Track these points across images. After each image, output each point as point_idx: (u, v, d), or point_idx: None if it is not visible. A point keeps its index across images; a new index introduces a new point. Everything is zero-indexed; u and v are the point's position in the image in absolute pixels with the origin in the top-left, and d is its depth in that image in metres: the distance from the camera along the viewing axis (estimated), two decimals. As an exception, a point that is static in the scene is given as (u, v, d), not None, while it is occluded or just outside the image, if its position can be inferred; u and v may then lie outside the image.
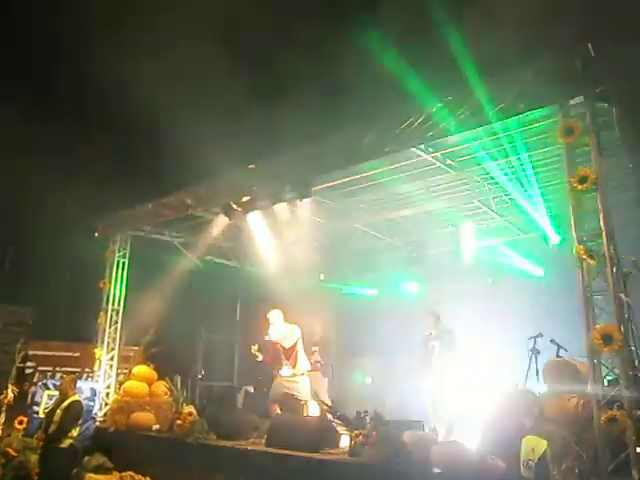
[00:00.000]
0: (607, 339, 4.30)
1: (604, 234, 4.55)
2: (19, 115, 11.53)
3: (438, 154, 6.91)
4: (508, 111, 5.16)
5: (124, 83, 11.58)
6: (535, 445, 3.48)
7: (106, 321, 9.64)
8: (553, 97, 5.00)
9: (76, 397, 7.27)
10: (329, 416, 6.52)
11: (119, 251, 9.97)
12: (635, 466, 3.96)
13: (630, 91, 5.19)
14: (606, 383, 4.42)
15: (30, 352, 11.81)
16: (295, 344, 7.50)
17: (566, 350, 5.86)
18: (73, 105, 13.53)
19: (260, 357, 7.64)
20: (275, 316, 7.64)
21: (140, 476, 7.19)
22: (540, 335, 6.57)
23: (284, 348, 7.48)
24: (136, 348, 9.83)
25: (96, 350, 9.53)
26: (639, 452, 4.00)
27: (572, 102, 4.94)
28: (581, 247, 4.62)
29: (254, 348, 7.58)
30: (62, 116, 13.35)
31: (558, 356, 5.69)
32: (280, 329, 7.55)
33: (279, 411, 7.43)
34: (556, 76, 4.89)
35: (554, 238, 8.75)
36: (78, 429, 7.23)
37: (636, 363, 4.44)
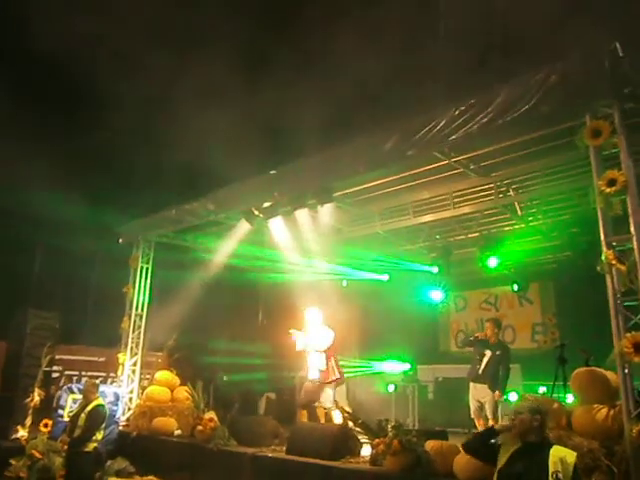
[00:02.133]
0: (638, 348, 4.14)
1: (635, 239, 4.40)
2: (45, 125, 11.81)
3: (461, 158, 6.79)
4: (533, 114, 5.03)
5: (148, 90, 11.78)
6: (564, 456, 3.34)
7: (129, 326, 9.74)
8: (579, 99, 4.86)
9: (100, 401, 7.33)
10: (350, 424, 6.43)
11: (143, 257, 10.08)
12: (669, 481, 3.80)
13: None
14: (637, 394, 4.27)
15: (56, 356, 12.01)
16: (329, 348, 7.43)
17: (596, 361, 5.68)
18: (102, 111, 13.78)
19: (296, 336, 7.47)
20: (314, 315, 7.59)
21: (161, 481, 7.21)
22: (565, 344, 6.41)
23: (318, 350, 7.40)
24: (159, 354, 9.89)
25: (119, 355, 9.63)
26: (673, 466, 3.84)
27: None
28: (610, 252, 4.48)
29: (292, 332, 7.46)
30: (90, 123, 13.62)
31: (587, 365, 5.50)
32: (316, 330, 7.49)
33: (305, 418, 7.37)
34: (584, 77, 4.76)
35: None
36: (102, 433, 7.29)
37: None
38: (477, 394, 7.37)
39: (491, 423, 7.16)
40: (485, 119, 5.30)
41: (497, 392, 7.19)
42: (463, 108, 5.49)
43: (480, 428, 7.33)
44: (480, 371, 7.38)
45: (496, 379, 7.29)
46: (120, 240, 10.01)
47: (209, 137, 12.06)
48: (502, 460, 3.63)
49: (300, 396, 7.56)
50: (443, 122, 5.67)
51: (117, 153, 13.39)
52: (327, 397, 7.32)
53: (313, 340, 7.44)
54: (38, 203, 12.09)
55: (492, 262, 9.60)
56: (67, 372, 11.90)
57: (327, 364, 7.31)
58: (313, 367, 7.42)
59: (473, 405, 7.42)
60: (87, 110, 13.45)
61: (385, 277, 11.01)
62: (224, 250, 9.41)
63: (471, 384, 7.51)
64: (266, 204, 7.79)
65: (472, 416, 7.47)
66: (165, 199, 9.72)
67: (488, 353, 7.46)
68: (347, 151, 6.54)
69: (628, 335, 4.23)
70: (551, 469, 3.29)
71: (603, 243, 4.56)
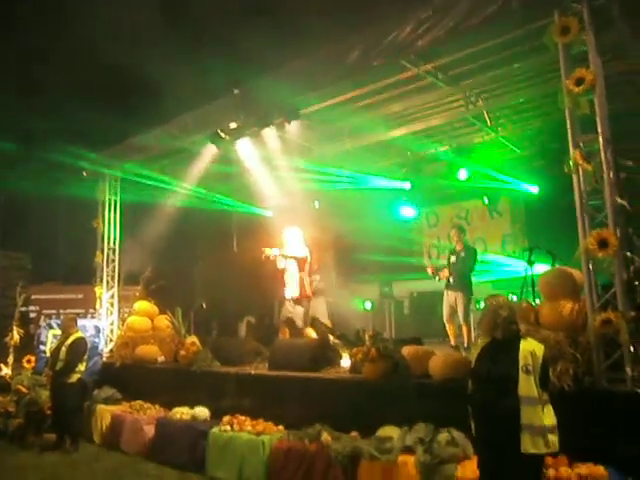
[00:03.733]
0: (602, 244, 4.28)
1: (601, 138, 4.42)
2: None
3: (429, 67, 6.61)
4: (501, 13, 4.86)
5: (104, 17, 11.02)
6: (533, 350, 3.49)
7: (103, 260, 9.65)
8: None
9: (79, 334, 7.40)
10: (330, 337, 6.62)
11: (110, 189, 9.84)
12: (628, 363, 4.04)
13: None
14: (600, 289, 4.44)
15: (32, 296, 11.95)
16: (305, 261, 7.54)
17: (562, 261, 5.86)
18: (56, 40, 12.93)
19: (272, 253, 7.47)
20: (292, 234, 7.67)
21: (149, 404, 7.42)
22: (536, 247, 6.58)
23: (299, 261, 7.49)
24: (137, 287, 9.89)
25: (96, 289, 9.60)
26: (632, 351, 4.07)
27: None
28: (577, 152, 4.51)
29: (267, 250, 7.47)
30: (45, 52, 12.82)
31: (554, 266, 5.69)
32: (295, 247, 7.58)
33: (288, 334, 7.56)
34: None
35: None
36: (85, 364, 7.41)
37: (631, 268, 4.43)
38: (450, 299, 7.65)
39: (464, 328, 7.50)
40: (452, 22, 5.13)
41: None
42: (430, 11, 5.28)
43: (450, 333, 7.70)
44: (451, 279, 7.65)
45: (465, 282, 7.60)
46: (84, 173, 9.68)
47: (168, 62, 11.49)
48: (473, 360, 3.78)
49: (281, 314, 7.70)
50: (409, 28, 5.49)
51: (80, 85, 12.74)
52: (303, 316, 7.49)
53: (292, 256, 7.51)
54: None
55: (462, 174, 9.66)
56: (45, 311, 11.92)
57: (303, 280, 7.43)
58: (291, 285, 7.52)
59: (446, 310, 7.72)
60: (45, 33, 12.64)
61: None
62: (192, 178, 9.22)
63: (445, 291, 7.79)
64: (232, 125, 7.56)
65: (444, 320, 7.76)
66: (132, 131, 9.33)
67: (454, 259, 7.76)
68: (311, 64, 6.30)
69: (593, 232, 4.35)
70: (521, 362, 3.44)
71: (570, 143, 4.58)
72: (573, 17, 4.59)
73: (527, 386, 3.38)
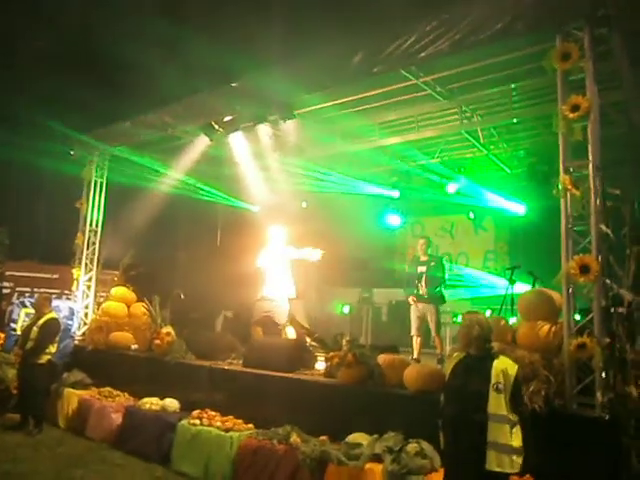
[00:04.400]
0: (584, 269, 4.33)
1: (591, 165, 4.49)
2: None
3: (429, 79, 6.65)
4: (506, 32, 4.91)
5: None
6: (506, 368, 3.53)
7: (84, 242, 9.50)
8: (553, 19, 4.76)
9: (53, 315, 7.28)
10: (307, 339, 6.61)
11: (97, 171, 9.68)
12: (599, 389, 4.10)
13: (632, 17, 4.97)
14: (577, 318, 4.50)
15: (7, 272, 11.73)
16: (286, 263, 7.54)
17: (542, 282, 5.94)
18: (47, 19, 12.72)
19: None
20: (276, 233, 7.65)
21: (118, 392, 7.33)
22: (518, 266, 6.65)
23: (278, 266, 7.49)
24: (115, 272, 9.77)
25: (74, 270, 9.44)
26: (604, 377, 4.13)
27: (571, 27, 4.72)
28: (567, 177, 4.56)
29: None
30: (35, 29, 12.60)
31: (534, 287, 5.76)
32: (278, 247, 7.57)
33: (261, 334, 7.51)
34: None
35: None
36: (56, 346, 7.28)
37: (610, 294, 4.49)
38: (420, 311, 7.51)
39: (435, 337, 7.49)
40: (457, 36, 5.15)
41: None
42: (435, 23, 5.30)
43: (415, 346, 7.56)
44: (421, 290, 7.51)
45: (437, 293, 7.49)
46: (72, 153, 9.53)
47: (170, 48, 11.37)
48: (447, 374, 3.81)
49: (254, 313, 7.64)
50: (413, 38, 5.48)
51: (71, 60, 12.53)
52: (281, 313, 7.45)
53: (275, 257, 7.47)
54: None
55: (451, 188, 9.73)
56: (19, 288, 11.72)
57: (286, 280, 7.41)
58: (270, 284, 7.49)
59: (415, 323, 7.57)
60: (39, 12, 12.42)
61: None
62: (181, 167, 9.14)
63: (413, 303, 7.62)
64: (227, 118, 7.51)
65: (412, 333, 7.61)
66: (122, 113, 9.19)
67: (424, 269, 7.59)
68: (312, 64, 6.29)
69: (576, 257, 4.41)
70: (493, 380, 3.48)
71: (561, 168, 4.64)
72: (574, 44, 4.64)
73: (497, 404, 3.41)
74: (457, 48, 5.17)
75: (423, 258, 7.71)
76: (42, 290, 11.13)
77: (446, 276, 7.77)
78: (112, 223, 9.97)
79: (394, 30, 5.66)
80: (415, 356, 7.45)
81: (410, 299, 7.63)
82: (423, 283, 7.49)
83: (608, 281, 4.45)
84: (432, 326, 7.46)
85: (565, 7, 4.61)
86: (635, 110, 6.73)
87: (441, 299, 7.57)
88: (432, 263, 7.62)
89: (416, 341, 7.60)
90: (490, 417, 3.39)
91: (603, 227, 4.41)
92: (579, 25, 4.65)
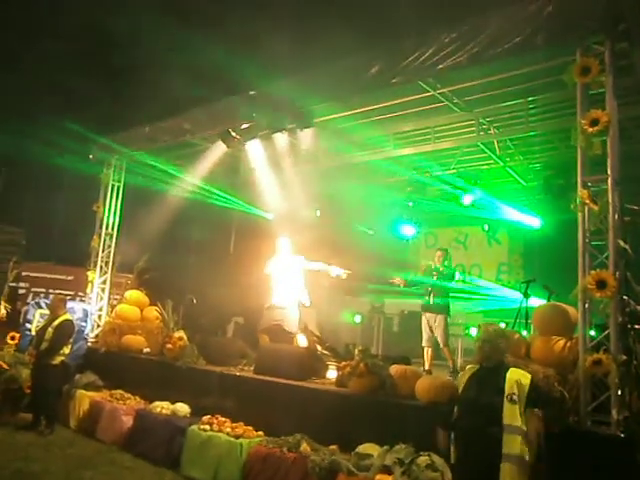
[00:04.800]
0: (601, 285, 4.29)
1: (609, 179, 4.46)
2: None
3: (446, 90, 6.66)
4: (525, 45, 4.91)
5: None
6: (519, 379, 3.50)
7: (99, 245, 9.61)
8: (573, 33, 4.75)
9: (67, 316, 7.35)
10: (318, 347, 6.60)
11: (114, 175, 9.81)
12: (615, 407, 4.05)
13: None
14: (592, 333, 4.46)
15: (23, 273, 11.88)
16: (296, 272, 7.55)
17: (557, 296, 5.89)
18: (68, 23, 12.94)
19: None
20: (283, 244, 7.69)
21: (130, 395, 7.36)
22: (533, 280, 6.60)
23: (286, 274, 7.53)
24: (129, 275, 9.85)
25: (89, 273, 9.55)
26: (620, 394, 4.08)
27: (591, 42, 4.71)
28: (585, 191, 4.53)
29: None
30: (57, 33, 12.82)
31: (549, 301, 5.71)
32: (287, 257, 7.60)
33: (268, 341, 7.50)
34: (579, 10, 4.64)
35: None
36: (69, 347, 7.34)
37: (627, 311, 4.45)
38: (429, 322, 7.54)
39: (444, 348, 7.46)
40: (476, 49, 5.16)
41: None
42: (454, 35, 5.32)
43: (427, 357, 7.56)
44: (430, 300, 7.53)
45: (445, 303, 7.52)
46: (91, 156, 9.66)
47: (190, 57, 11.52)
48: (460, 386, 3.79)
49: (262, 321, 7.67)
50: (432, 49, 5.50)
51: (91, 66, 12.73)
52: (292, 321, 7.45)
53: (286, 265, 7.49)
54: (3, 120, 11.53)
55: (467, 200, 9.70)
56: (34, 289, 11.86)
57: (299, 288, 7.43)
58: (280, 292, 7.51)
59: (426, 334, 7.58)
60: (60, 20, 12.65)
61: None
62: (198, 173, 9.21)
63: (422, 313, 7.66)
64: (244, 125, 7.57)
65: (423, 344, 7.62)
66: (141, 118, 9.32)
67: (435, 279, 7.61)
68: (330, 73, 6.32)
69: (593, 272, 4.37)
70: (507, 391, 3.46)
71: (579, 182, 4.61)
72: (594, 58, 4.63)
73: (511, 415, 3.39)
74: (475, 61, 5.18)
75: (441, 268, 7.72)
76: (57, 291, 11.25)
77: (452, 287, 7.82)
78: (128, 226, 10.07)
79: (413, 42, 5.69)
80: (427, 367, 7.43)
81: (397, 280, 7.77)
82: (432, 293, 7.52)
83: (625, 297, 4.41)
84: (439, 337, 7.45)
85: (585, 21, 4.59)
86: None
87: (447, 309, 7.56)
88: (444, 273, 7.64)
89: (427, 352, 7.58)
90: (505, 428, 3.37)
91: (621, 242, 4.38)
92: (600, 39, 4.64)
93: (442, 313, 7.47)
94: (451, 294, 7.69)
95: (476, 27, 5.16)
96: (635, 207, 4.94)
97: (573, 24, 4.66)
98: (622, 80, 5.11)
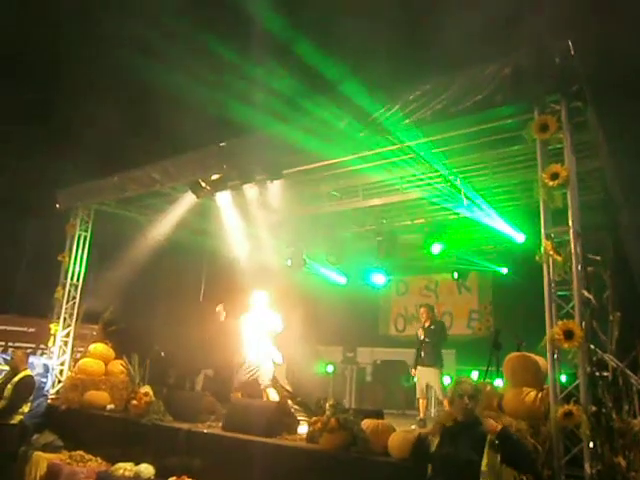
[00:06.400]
0: (568, 335, 4.34)
1: (571, 231, 4.59)
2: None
3: (413, 144, 6.85)
4: (486, 104, 5.13)
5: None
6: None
7: (64, 296, 9.32)
8: (530, 92, 4.99)
9: (28, 372, 7.05)
10: (289, 402, 6.44)
11: (81, 225, 9.64)
12: (587, 460, 4.02)
13: (605, 92, 5.24)
14: (564, 378, 4.48)
15: (-19, 326, 11.39)
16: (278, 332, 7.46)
17: (526, 347, 5.93)
18: (39, 68, 12.97)
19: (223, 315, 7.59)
20: (260, 299, 7.53)
21: (91, 456, 7.00)
22: (498, 332, 6.67)
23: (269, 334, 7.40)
24: (94, 326, 9.56)
25: (52, 325, 9.22)
26: (592, 447, 4.07)
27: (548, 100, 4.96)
28: (548, 243, 4.65)
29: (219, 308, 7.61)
30: (25, 79, 12.82)
31: (519, 351, 5.73)
32: (263, 313, 7.47)
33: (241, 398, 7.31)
34: (535, 71, 4.89)
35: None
36: (29, 405, 7.01)
37: (594, 360, 4.50)
38: (424, 377, 7.75)
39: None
40: (439, 106, 5.37)
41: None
42: (418, 93, 5.53)
43: (421, 408, 7.67)
44: (423, 355, 7.76)
45: (438, 356, 7.77)
46: (57, 205, 9.51)
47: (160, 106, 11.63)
48: (434, 442, 3.74)
49: (236, 378, 7.49)
50: (398, 106, 5.69)
51: (59, 112, 12.71)
52: (265, 374, 7.29)
53: (261, 323, 7.40)
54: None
55: (436, 249, 9.82)
56: (-7, 342, 11.35)
57: (270, 345, 7.32)
58: (252, 348, 7.38)
59: (420, 386, 7.83)
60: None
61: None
62: (167, 222, 9.14)
63: (418, 368, 7.88)
64: (214, 176, 7.60)
65: (417, 396, 7.88)
66: (110, 167, 9.27)
67: (425, 336, 7.90)
68: (299, 127, 6.45)
69: (560, 323, 4.43)
70: (489, 438, 3.43)
71: (542, 234, 4.73)
72: (552, 116, 4.85)
73: (492, 464, 3.37)
74: (439, 117, 5.37)
75: (426, 325, 7.98)
76: (17, 344, 10.81)
77: (445, 339, 8.11)
78: (94, 276, 9.84)
79: (379, 97, 5.89)
80: (421, 416, 7.65)
81: (411, 371, 8.07)
82: (424, 349, 7.80)
83: (592, 346, 4.47)
84: (438, 390, 7.81)
85: (541, 82, 4.84)
86: (610, 177, 7.01)
87: (441, 361, 7.83)
88: (432, 328, 7.91)
89: (422, 403, 7.79)
90: (482, 474, 3.32)
91: (585, 293, 4.47)
92: (556, 99, 4.88)
93: (435, 367, 7.72)
94: (441, 346, 7.97)
95: (439, 86, 5.37)
96: (597, 257, 5.09)
97: (530, 85, 4.90)
98: (579, 135, 5.38)
